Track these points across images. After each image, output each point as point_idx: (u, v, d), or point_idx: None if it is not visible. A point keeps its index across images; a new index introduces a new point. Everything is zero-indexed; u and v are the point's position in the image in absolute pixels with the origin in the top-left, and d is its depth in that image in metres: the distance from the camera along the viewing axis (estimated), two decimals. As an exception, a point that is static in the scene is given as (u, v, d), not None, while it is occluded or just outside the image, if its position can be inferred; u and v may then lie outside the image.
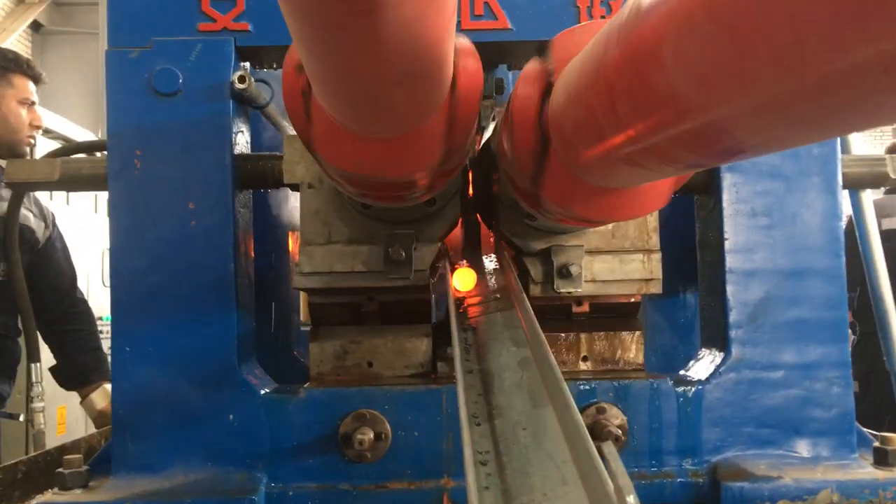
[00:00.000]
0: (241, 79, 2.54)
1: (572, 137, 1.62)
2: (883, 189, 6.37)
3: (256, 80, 2.63)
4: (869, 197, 3.79)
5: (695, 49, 0.97)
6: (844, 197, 2.69)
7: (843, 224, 2.66)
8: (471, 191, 2.81)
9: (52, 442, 3.96)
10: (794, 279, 2.59)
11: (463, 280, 2.72)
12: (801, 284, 2.59)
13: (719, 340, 2.67)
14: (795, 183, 2.60)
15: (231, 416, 2.48)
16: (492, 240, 2.90)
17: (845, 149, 3.55)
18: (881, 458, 2.52)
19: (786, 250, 2.60)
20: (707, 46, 0.94)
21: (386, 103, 1.45)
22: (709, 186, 2.68)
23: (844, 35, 0.71)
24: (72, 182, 2.70)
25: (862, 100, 0.80)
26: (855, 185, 2.80)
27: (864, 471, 2.48)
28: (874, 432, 2.64)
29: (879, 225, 4.24)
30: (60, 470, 2.46)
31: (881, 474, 2.44)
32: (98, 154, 3.27)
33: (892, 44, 0.68)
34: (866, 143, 4.15)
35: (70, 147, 3.26)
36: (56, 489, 2.43)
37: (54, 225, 4.82)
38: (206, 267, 2.50)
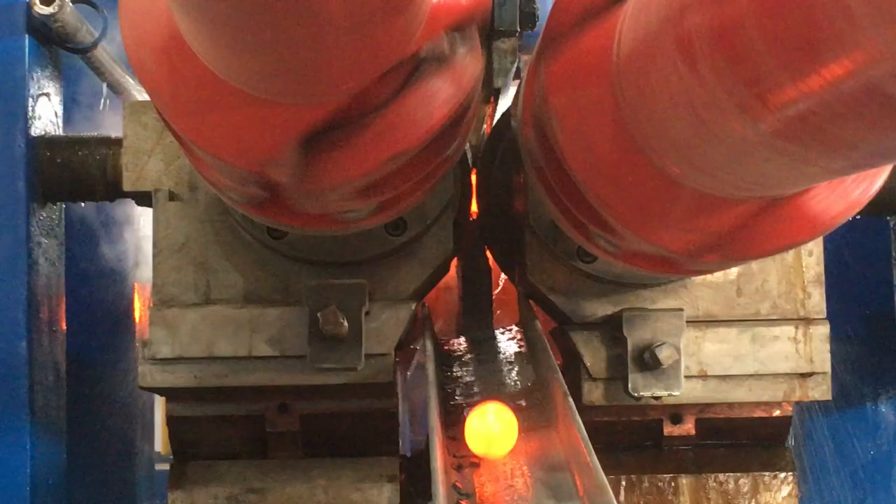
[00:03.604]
0: (48, -3, 2.41)
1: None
2: None
3: (76, 1, 2.15)
4: None
5: None
6: None
7: None
8: (473, 206, 2.25)
9: None
10: None
11: (486, 437, 1.96)
12: None
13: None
14: None
15: None
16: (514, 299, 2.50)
17: None
18: None
19: None
20: None
21: (316, 36, 1.18)
22: (920, 199, 2.31)
23: None
24: None
25: None
26: None
27: None
28: None
29: None
30: None
31: None
32: None
33: None
34: None
35: None
36: None
37: None
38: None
